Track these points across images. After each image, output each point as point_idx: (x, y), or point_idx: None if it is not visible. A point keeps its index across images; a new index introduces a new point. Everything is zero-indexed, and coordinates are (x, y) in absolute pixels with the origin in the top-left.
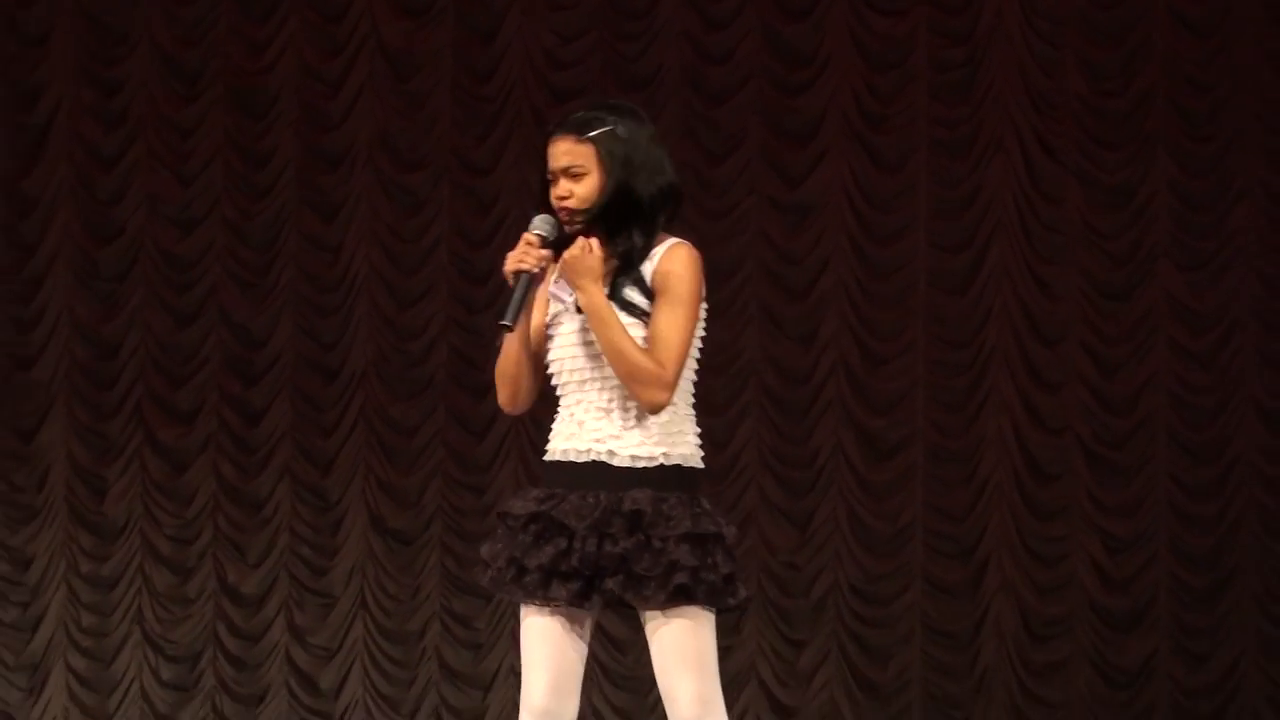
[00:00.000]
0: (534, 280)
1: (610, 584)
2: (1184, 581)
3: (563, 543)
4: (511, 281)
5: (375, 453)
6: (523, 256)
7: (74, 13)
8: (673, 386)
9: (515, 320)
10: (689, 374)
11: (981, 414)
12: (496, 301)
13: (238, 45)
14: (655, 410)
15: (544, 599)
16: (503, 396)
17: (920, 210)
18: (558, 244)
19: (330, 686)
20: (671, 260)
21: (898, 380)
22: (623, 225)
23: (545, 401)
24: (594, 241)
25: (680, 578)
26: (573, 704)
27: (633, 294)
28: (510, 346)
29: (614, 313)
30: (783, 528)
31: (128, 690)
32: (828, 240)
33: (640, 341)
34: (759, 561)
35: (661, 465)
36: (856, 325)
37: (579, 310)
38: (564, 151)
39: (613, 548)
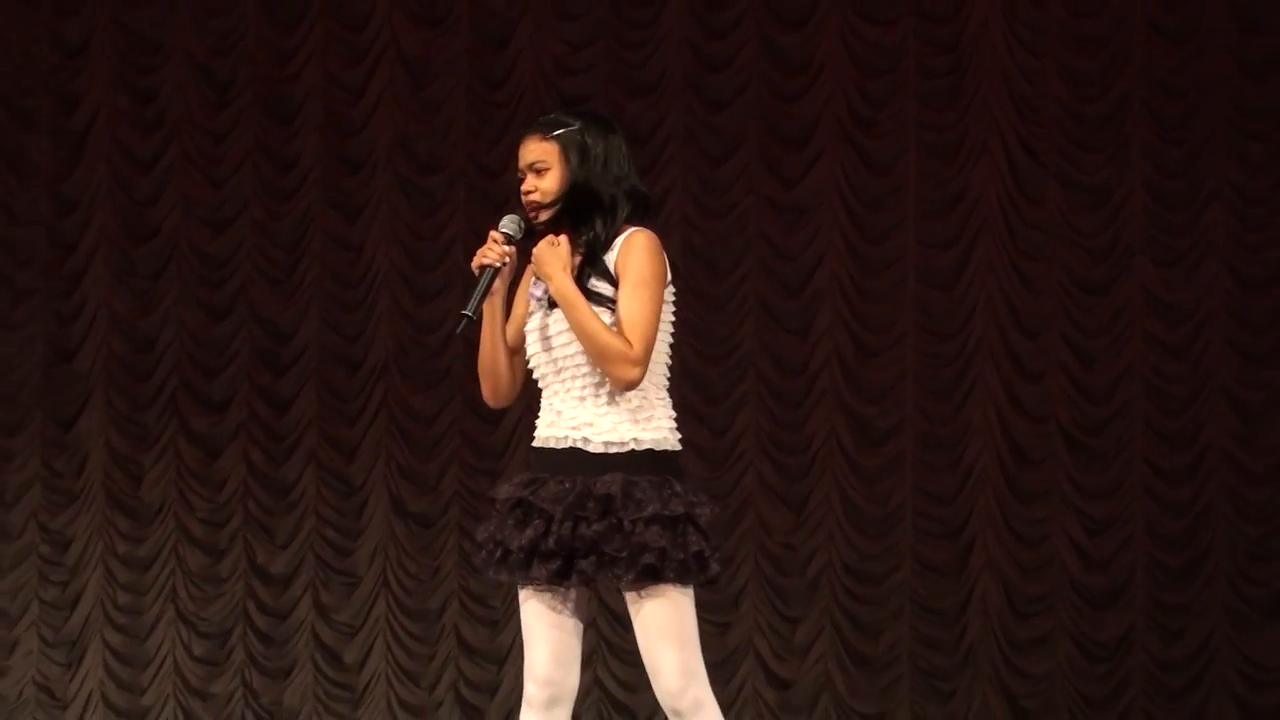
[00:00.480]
0: (496, 274)
1: (584, 565)
2: (1159, 561)
3: (541, 525)
4: (478, 273)
5: (396, 440)
6: (487, 251)
7: (112, 24)
8: (642, 363)
9: (476, 310)
10: (661, 359)
11: (967, 402)
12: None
13: (266, 55)
14: (628, 387)
15: (525, 578)
16: (485, 390)
17: (909, 209)
18: (524, 242)
19: (354, 661)
20: (630, 246)
21: (888, 370)
22: (585, 219)
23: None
24: (562, 237)
25: (648, 558)
26: (574, 674)
27: (598, 284)
28: (485, 343)
29: (581, 297)
30: (779, 510)
31: (161, 665)
32: (822, 238)
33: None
34: (756, 542)
35: (633, 450)
36: (849, 318)
37: (551, 305)
38: (531, 149)
39: (586, 530)
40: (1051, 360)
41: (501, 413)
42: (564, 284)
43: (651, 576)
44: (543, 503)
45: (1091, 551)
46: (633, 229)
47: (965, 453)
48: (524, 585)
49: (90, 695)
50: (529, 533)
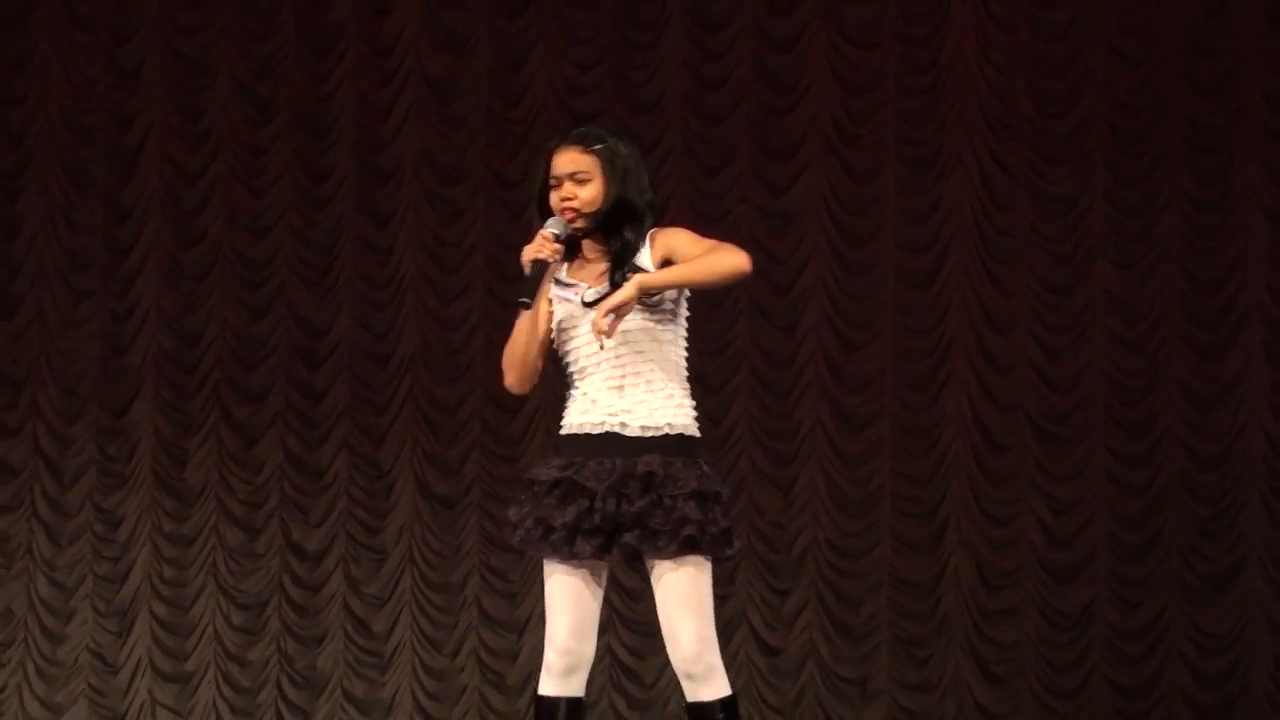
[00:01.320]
0: (546, 268)
1: (628, 538)
2: (1118, 538)
3: (585, 503)
4: (528, 269)
5: (421, 428)
6: (540, 248)
7: (163, 49)
8: (738, 248)
9: (533, 299)
10: (681, 356)
11: (942, 393)
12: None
13: (303, 76)
14: (747, 269)
15: (569, 554)
16: (511, 378)
17: (889, 216)
18: (566, 241)
19: (381, 630)
20: (664, 235)
21: (869, 364)
22: (617, 227)
23: (564, 382)
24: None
25: (689, 530)
26: (591, 644)
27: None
28: (522, 333)
29: (662, 275)
30: (769, 492)
31: (203, 633)
32: (808, 242)
33: (648, 321)
34: (748, 522)
35: (666, 434)
36: (833, 316)
37: (587, 304)
38: (570, 160)
39: (629, 506)
40: (1020, 355)
41: (520, 403)
42: (648, 281)
43: (690, 547)
44: (586, 481)
45: (1056, 530)
46: (653, 230)
47: (940, 439)
48: (564, 561)
49: (139, 661)
50: (572, 510)
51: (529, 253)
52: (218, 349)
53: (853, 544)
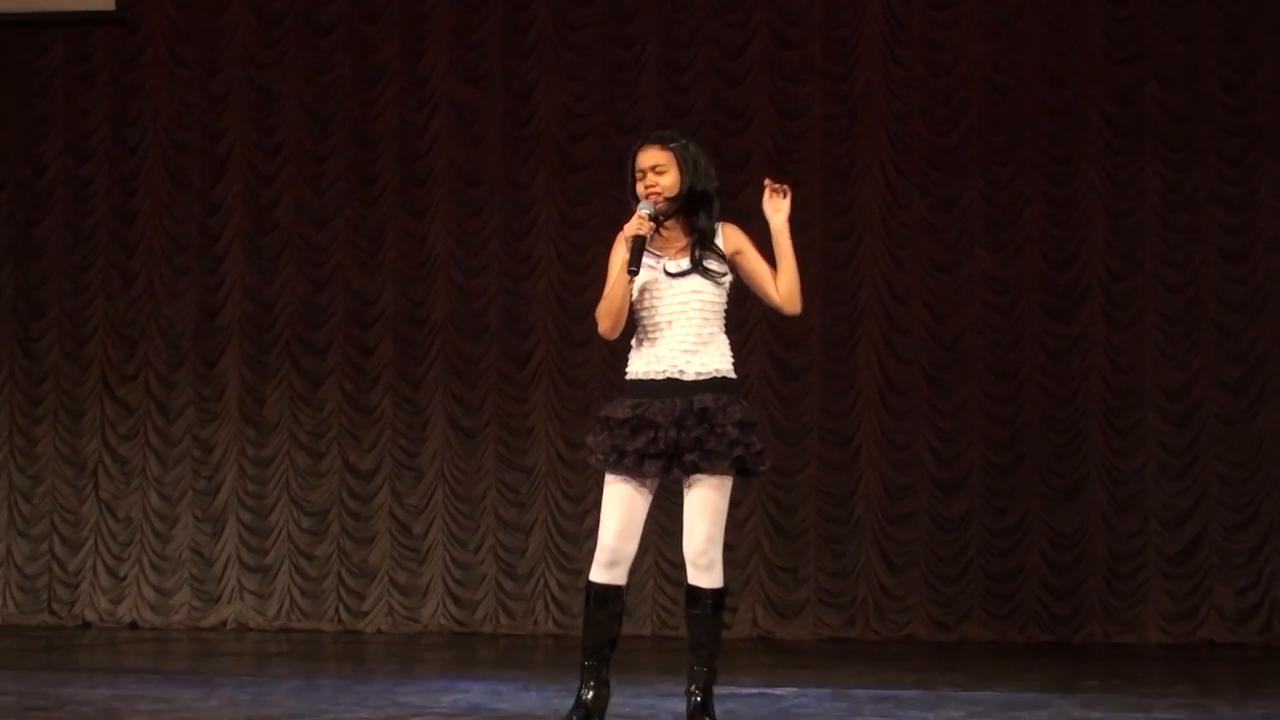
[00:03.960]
0: (644, 241)
1: (689, 458)
2: (990, 459)
3: (652, 433)
4: (629, 244)
5: (450, 375)
6: (638, 225)
7: (245, 81)
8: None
9: (638, 267)
10: (723, 316)
11: (856, 349)
12: (535, 275)
13: (355, 102)
14: (798, 311)
15: (638, 473)
16: (606, 325)
17: (816, 213)
18: (655, 219)
19: (419, 531)
20: (736, 233)
21: (800, 326)
22: (694, 211)
23: (568, 344)
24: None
25: (738, 450)
26: (632, 545)
27: (711, 263)
28: (619, 291)
29: (788, 240)
30: None
31: (279, 535)
32: (754, 235)
33: (717, 295)
34: None
35: (713, 377)
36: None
37: (671, 275)
38: (650, 156)
39: (689, 434)
40: (915, 318)
41: (527, 357)
42: (786, 234)
43: (740, 464)
44: (654, 416)
45: (943, 453)
46: (726, 223)
47: (854, 384)
48: (626, 476)
49: (229, 556)
50: (641, 439)
51: (629, 229)
52: (288, 313)
53: (789, 465)
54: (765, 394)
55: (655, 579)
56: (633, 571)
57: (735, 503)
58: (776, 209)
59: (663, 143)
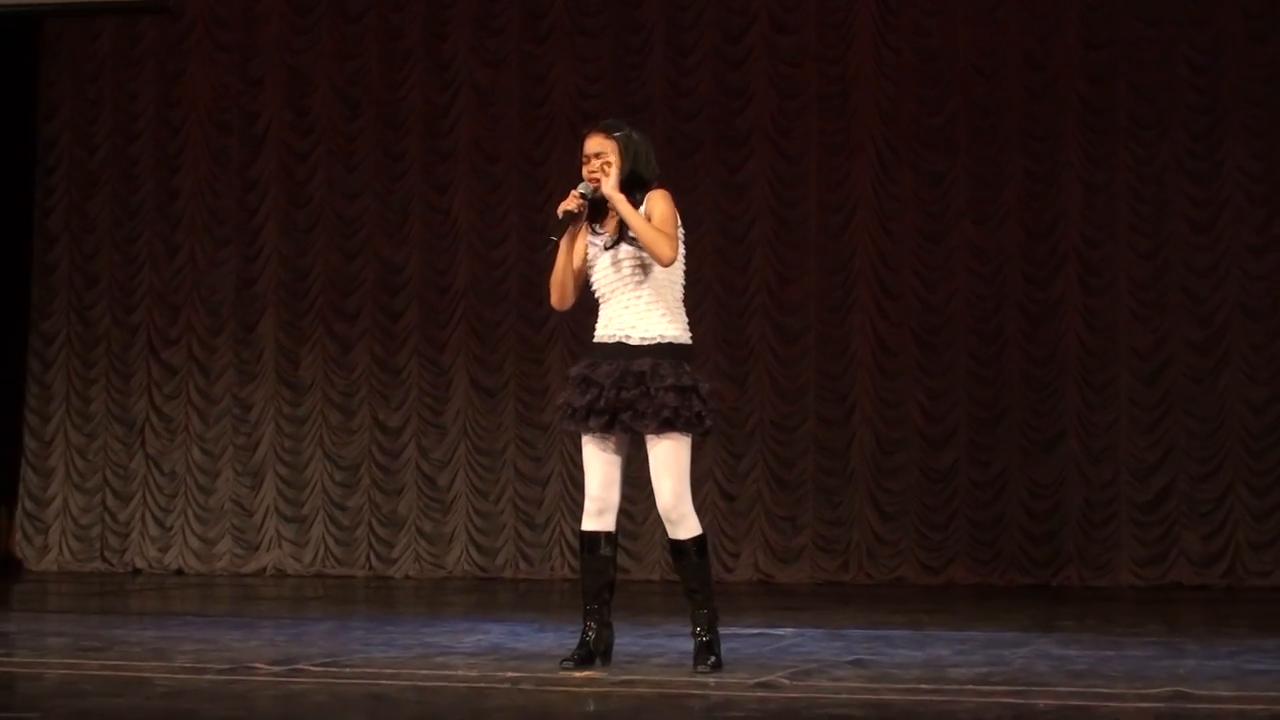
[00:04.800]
0: (573, 216)
1: (624, 417)
2: (975, 416)
3: (596, 392)
4: (560, 216)
5: (472, 338)
6: (569, 201)
7: (280, 65)
8: (675, 247)
9: (560, 237)
10: (679, 279)
11: (851, 312)
12: (550, 244)
13: (383, 85)
14: (668, 263)
15: (586, 427)
16: (554, 298)
17: (812, 188)
18: (591, 199)
19: (444, 484)
20: (654, 197)
21: (799, 291)
22: (630, 193)
23: (581, 310)
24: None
25: (665, 413)
26: (615, 493)
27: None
28: (560, 263)
29: (625, 206)
30: (728, 385)
31: (314, 488)
32: (755, 207)
33: (638, 259)
34: (715, 409)
35: (658, 343)
36: (773, 259)
37: (608, 248)
38: (596, 143)
39: (625, 395)
40: (905, 285)
41: (543, 321)
42: (618, 200)
43: (667, 426)
44: (599, 378)
45: (931, 410)
46: (654, 189)
47: (849, 346)
48: (585, 432)
49: (267, 507)
50: (588, 397)
51: (562, 205)
52: (322, 281)
53: (788, 421)
54: (766, 355)
55: (663, 526)
56: (642, 519)
57: (714, 460)
58: (598, 186)
59: (608, 131)
